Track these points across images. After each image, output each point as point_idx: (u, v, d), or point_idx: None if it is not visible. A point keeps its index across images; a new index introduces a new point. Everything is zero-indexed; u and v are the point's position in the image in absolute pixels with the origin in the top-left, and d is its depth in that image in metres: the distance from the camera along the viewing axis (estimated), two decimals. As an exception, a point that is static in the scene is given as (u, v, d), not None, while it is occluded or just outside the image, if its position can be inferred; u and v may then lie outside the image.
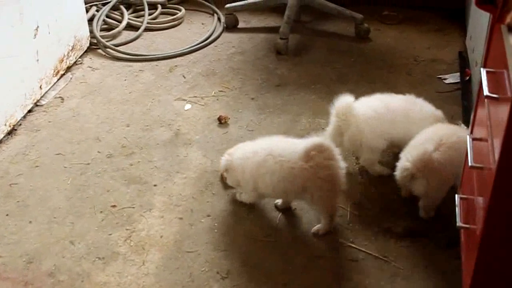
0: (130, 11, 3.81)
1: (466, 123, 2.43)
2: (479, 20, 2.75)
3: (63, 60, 3.18)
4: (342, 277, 2.05)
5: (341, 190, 2.18)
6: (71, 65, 3.28)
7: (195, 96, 3.04)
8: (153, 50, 3.49)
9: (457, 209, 1.84)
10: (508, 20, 1.46)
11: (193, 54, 3.44)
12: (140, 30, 3.63)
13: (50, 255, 2.15)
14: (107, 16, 3.70)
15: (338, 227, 2.24)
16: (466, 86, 2.96)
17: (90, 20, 3.57)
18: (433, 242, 2.14)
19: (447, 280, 2.00)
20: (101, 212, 2.33)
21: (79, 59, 3.36)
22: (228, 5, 3.69)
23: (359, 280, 2.03)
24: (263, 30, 3.70)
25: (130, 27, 3.68)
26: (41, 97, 3.00)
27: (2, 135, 2.71)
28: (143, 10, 3.79)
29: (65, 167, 2.57)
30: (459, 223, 1.79)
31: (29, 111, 2.91)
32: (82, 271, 2.08)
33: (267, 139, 2.30)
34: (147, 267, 2.09)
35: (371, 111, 2.38)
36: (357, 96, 2.44)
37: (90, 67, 3.32)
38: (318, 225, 2.21)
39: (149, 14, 3.77)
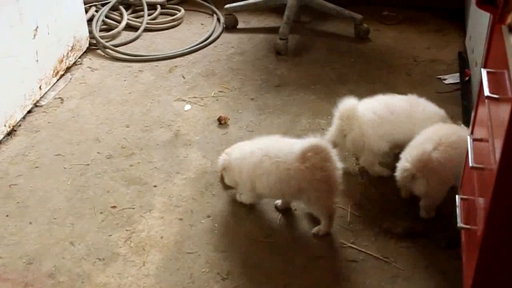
0: (130, 11, 3.81)
1: (466, 123, 2.43)
2: (479, 21, 2.75)
3: (62, 61, 3.18)
4: (342, 278, 2.05)
5: (338, 191, 2.18)
6: (70, 65, 3.27)
7: (195, 97, 3.04)
8: (153, 50, 3.49)
9: (457, 209, 1.84)
10: (509, 20, 1.46)
11: (193, 54, 3.44)
12: (139, 31, 3.63)
13: (50, 256, 2.14)
14: (107, 17, 3.69)
15: (338, 227, 2.24)
16: (465, 87, 2.97)
17: (90, 21, 3.57)
18: (434, 243, 2.14)
19: (448, 281, 2.00)
20: (101, 213, 2.33)
21: (79, 60, 3.36)
22: (227, 6, 3.68)
23: (360, 281, 2.03)
24: (263, 30, 3.70)
25: (129, 27, 3.68)
26: (41, 97, 3.00)
27: (2, 136, 2.70)
28: (142, 10, 3.79)
29: (64, 168, 2.57)
30: (459, 223, 1.78)
31: (29, 111, 2.90)
32: (82, 272, 2.08)
33: (264, 139, 2.31)
34: (147, 268, 2.09)
35: (374, 114, 2.38)
36: (357, 97, 2.44)
37: (89, 67, 3.32)
38: (318, 226, 2.21)
39: (149, 15, 3.76)
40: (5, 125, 2.72)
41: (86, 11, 3.55)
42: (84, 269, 2.09)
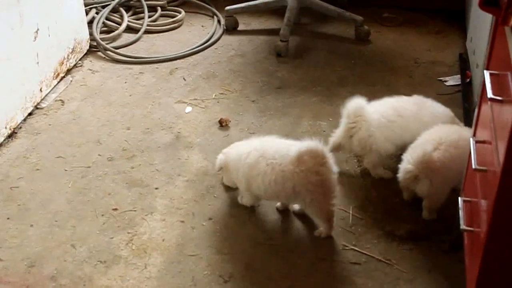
0: (130, 13, 3.80)
1: (468, 125, 2.44)
2: (480, 22, 2.75)
3: (63, 63, 3.17)
4: (345, 280, 2.05)
5: (334, 195, 2.17)
6: (71, 67, 3.27)
7: (196, 99, 3.04)
8: (153, 52, 3.48)
9: (460, 212, 1.84)
10: (512, 22, 1.46)
11: (193, 56, 3.43)
12: (140, 33, 3.62)
13: (51, 258, 2.14)
14: (107, 19, 3.69)
15: (340, 230, 2.23)
16: (466, 88, 2.96)
17: (90, 23, 3.56)
18: (436, 245, 2.14)
19: (451, 284, 2.00)
20: (102, 215, 2.32)
21: (79, 62, 3.35)
22: (228, 7, 3.68)
23: (362, 284, 2.03)
24: (263, 32, 3.69)
25: (130, 29, 3.67)
26: (42, 100, 2.99)
27: (3, 138, 2.70)
28: (142, 12, 3.78)
29: (66, 170, 2.56)
30: (462, 226, 1.78)
31: (30, 114, 2.90)
32: (84, 275, 2.07)
33: (262, 139, 2.31)
34: (149, 271, 2.08)
35: (383, 117, 2.37)
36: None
37: (90, 69, 3.31)
38: (320, 229, 2.21)
39: (149, 17, 3.76)
40: (5, 127, 2.71)
41: (87, 13, 3.54)
42: (85, 272, 2.08)
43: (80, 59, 3.37)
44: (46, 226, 2.28)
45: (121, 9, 3.77)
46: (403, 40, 3.55)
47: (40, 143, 2.73)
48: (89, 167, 2.58)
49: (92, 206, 2.37)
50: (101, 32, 3.59)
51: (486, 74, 1.60)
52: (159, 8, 3.86)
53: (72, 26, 3.24)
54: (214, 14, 3.86)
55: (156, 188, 2.45)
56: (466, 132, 2.23)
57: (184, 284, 2.04)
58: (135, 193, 2.43)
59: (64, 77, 3.20)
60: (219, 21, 3.78)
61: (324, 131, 2.75)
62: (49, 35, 3.00)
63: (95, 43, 3.47)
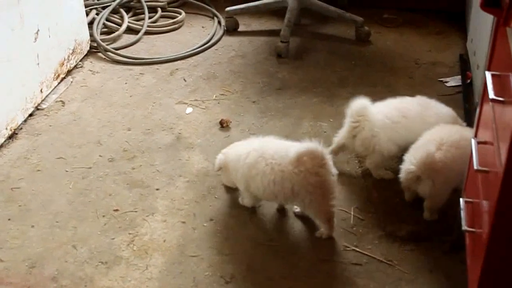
0: (130, 14, 3.80)
1: (468, 125, 2.44)
2: (481, 23, 2.75)
3: (63, 64, 3.17)
4: (346, 281, 2.05)
5: (333, 196, 2.17)
6: (71, 68, 3.27)
7: (196, 100, 3.04)
8: (154, 53, 3.48)
9: (462, 212, 1.84)
10: (514, 23, 1.46)
11: (194, 57, 3.43)
12: (140, 34, 3.62)
13: (52, 259, 2.14)
14: (107, 20, 3.68)
15: (341, 231, 2.23)
16: (467, 89, 2.97)
17: (90, 24, 3.56)
18: (437, 246, 2.14)
19: (452, 284, 2.00)
20: (103, 216, 2.32)
21: (80, 63, 3.35)
22: (228, 8, 3.68)
23: (364, 285, 2.03)
24: (264, 33, 3.69)
25: (130, 30, 3.67)
26: (42, 100, 2.99)
27: (3, 139, 2.70)
28: (143, 13, 3.78)
29: (66, 171, 2.56)
30: (464, 226, 1.78)
31: (30, 115, 2.90)
32: (85, 276, 2.07)
33: (261, 140, 2.31)
34: (150, 272, 2.08)
35: (388, 119, 2.37)
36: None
37: (90, 70, 3.31)
38: (321, 230, 2.21)
39: (149, 18, 3.76)
40: (6, 128, 2.71)
41: (87, 14, 3.54)
42: (86, 273, 2.08)
43: (81, 60, 3.37)
44: (47, 227, 2.28)
45: (122, 10, 3.77)
46: (403, 41, 3.56)
47: (40, 144, 2.73)
48: (90, 168, 2.58)
49: (93, 207, 2.37)
50: (102, 33, 3.59)
51: (488, 75, 1.60)
52: (159, 9, 3.86)
53: (73, 27, 3.24)
54: (214, 15, 3.86)
55: (157, 189, 2.45)
56: (467, 132, 2.23)
57: (186, 285, 2.04)
58: (136, 194, 2.43)
59: (64, 78, 3.20)
60: (219, 22, 3.78)
61: (325, 132, 2.76)
62: (49, 36, 3.00)
63: (95, 44, 3.47)
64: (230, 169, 2.31)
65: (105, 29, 3.65)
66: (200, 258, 2.14)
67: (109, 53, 3.44)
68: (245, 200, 2.34)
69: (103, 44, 3.46)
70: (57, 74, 3.11)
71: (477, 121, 1.91)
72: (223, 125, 2.81)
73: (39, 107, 2.96)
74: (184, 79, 3.22)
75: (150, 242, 2.20)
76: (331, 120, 2.83)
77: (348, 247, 2.17)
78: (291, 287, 2.03)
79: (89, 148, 2.70)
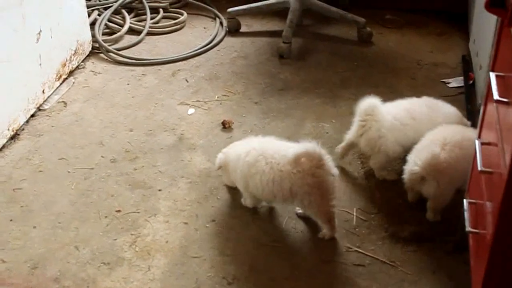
0: (132, 15, 3.80)
1: (472, 126, 2.43)
2: (484, 24, 2.75)
3: (65, 65, 3.17)
4: (349, 282, 2.05)
5: (332, 197, 2.16)
6: (73, 69, 3.26)
7: (199, 101, 3.03)
8: (156, 54, 3.48)
9: (465, 213, 1.83)
10: (519, 23, 1.46)
11: (196, 58, 3.43)
12: (142, 34, 3.62)
13: (54, 260, 2.13)
14: (109, 20, 3.68)
15: (344, 232, 2.23)
16: (469, 90, 2.96)
17: (92, 24, 3.56)
18: (440, 247, 2.14)
19: (455, 285, 2.00)
20: (105, 217, 2.32)
21: (82, 64, 3.35)
22: (230, 9, 3.68)
23: (366, 286, 2.03)
24: (266, 34, 3.69)
25: (132, 31, 3.67)
26: (44, 101, 2.99)
27: (5, 140, 2.69)
28: (145, 14, 3.78)
29: (68, 171, 2.56)
30: (468, 227, 1.77)
31: (32, 115, 2.90)
32: (87, 277, 2.07)
33: (260, 139, 2.32)
34: (152, 273, 2.08)
35: (397, 121, 2.37)
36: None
37: (92, 71, 3.31)
38: (324, 231, 2.21)
39: (151, 18, 3.76)
40: (8, 129, 2.71)
41: (89, 15, 3.54)
42: (89, 274, 2.08)
43: (83, 61, 3.36)
44: (49, 227, 2.28)
45: (123, 11, 3.77)
46: (405, 42, 3.55)
47: (42, 144, 2.72)
48: (92, 168, 2.57)
49: (95, 207, 2.36)
50: (103, 34, 3.59)
51: (492, 76, 1.60)
52: (161, 10, 3.86)
53: (74, 28, 3.24)
54: (216, 16, 3.86)
55: (159, 190, 2.45)
56: (469, 132, 2.24)
57: (188, 286, 2.03)
58: (138, 195, 2.42)
59: (66, 78, 3.19)
60: (221, 23, 3.78)
61: (327, 133, 2.75)
62: (51, 37, 3.00)
63: (97, 45, 3.47)
64: (230, 169, 2.32)
65: (107, 30, 3.65)
66: (202, 259, 2.13)
67: (111, 53, 3.44)
68: (247, 201, 2.33)
69: (105, 44, 3.45)
70: (59, 75, 3.11)
71: (481, 122, 1.90)
72: (225, 126, 2.81)
73: (41, 108, 2.96)
74: (186, 80, 3.21)
75: (153, 243, 2.20)
76: (333, 121, 2.83)
77: (351, 248, 2.16)
78: (293, 287, 2.03)
79: (91, 149, 2.70)
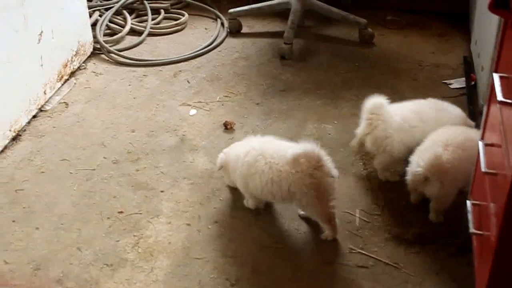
0: (133, 16, 3.80)
1: (475, 127, 2.43)
2: (485, 25, 2.75)
3: (67, 65, 3.17)
4: (352, 284, 2.04)
5: (331, 198, 2.16)
6: (74, 70, 3.26)
7: (200, 102, 3.03)
8: (157, 55, 3.48)
9: (469, 215, 1.83)
10: (523, 25, 1.45)
11: (197, 59, 3.43)
12: (143, 35, 3.62)
13: (57, 261, 2.13)
14: (110, 21, 3.68)
15: (347, 233, 2.23)
16: (471, 91, 2.96)
17: (93, 25, 3.55)
18: (443, 249, 2.13)
19: (459, 286, 2.00)
20: (108, 218, 2.32)
21: (83, 64, 3.34)
22: (231, 10, 3.67)
23: (369, 287, 2.02)
24: (267, 35, 3.69)
25: (133, 32, 3.66)
26: (45, 102, 2.98)
27: (7, 141, 2.69)
28: (146, 15, 3.78)
29: (70, 173, 2.56)
30: (471, 229, 1.77)
31: (34, 116, 2.89)
32: (90, 278, 2.07)
33: (260, 139, 2.32)
34: (155, 274, 2.08)
35: (405, 122, 2.37)
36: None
37: (94, 72, 3.31)
38: (326, 232, 2.20)
39: (152, 19, 3.76)
40: (10, 130, 2.71)
41: (90, 16, 3.54)
42: (92, 275, 2.08)
43: (84, 62, 3.36)
44: (51, 229, 2.27)
45: (125, 11, 3.77)
46: (407, 43, 3.55)
47: (44, 145, 2.72)
48: (94, 169, 2.57)
49: (97, 209, 2.36)
50: (105, 35, 3.59)
51: (496, 77, 1.60)
52: (162, 11, 3.86)
53: (76, 28, 3.24)
54: (218, 16, 3.85)
55: (162, 191, 2.45)
56: (472, 133, 2.24)
57: (191, 287, 2.03)
58: (141, 196, 2.42)
59: (68, 79, 3.19)
60: (222, 24, 3.78)
61: (329, 134, 2.75)
62: (53, 38, 3.00)
63: (98, 46, 3.47)
64: (231, 169, 2.32)
65: (108, 31, 3.65)
66: (205, 261, 2.13)
67: (112, 54, 3.43)
68: (249, 202, 2.33)
69: (106, 45, 3.45)
70: (60, 76, 3.11)
71: (484, 123, 1.90)
72: (227, 127, 2.81)
73: (42, 109, 2.95)
74: (188, 81, 3.21)
75: (155, 244, 2.20)
76: (335, 122, 2.83)
77: (354, 250, 2.16)
78: (297, 289, 2.03)
79: (93, 150, 2.69)
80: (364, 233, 2.23)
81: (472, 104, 2.86)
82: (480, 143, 1.78)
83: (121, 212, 2.34)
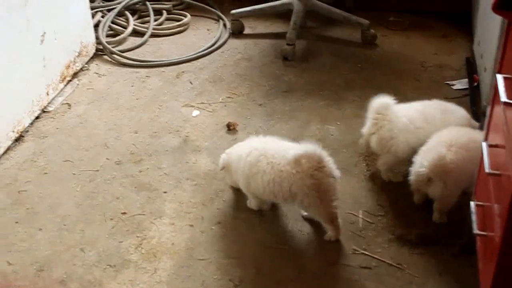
0: (136, 17, 3.80)
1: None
2: (489, 26, 2.75)
3: (69, 66, 3.17)
4: (355, 285, 2.04)
5: (333, 199, 2.15)
6: (77, 71, 3.26)
7: (203, 103, 3.03)
8: (160, 56, 3.48)
9: (473, 216, 1.83)
10: (527, 26, 1.45)
11: (200, 60, 3.43)
12: (146, 36, 3.62)
13: (61, 262, 2.13)
14: (113, 22, 3.68)
15: (350, 234, 2.23)
16: (474, 92, 2.96)
17: (96, 26, 3.56)
18: (447, 250, 2.13)
19: (462, 287, 1.99)
20: (111, 219, 2.32)
21: (86, 65, 3.35)
22: (233, 11, 3.68)
23: (373, 288, 2.03)
24: (269, 36, 3.69)
25: (135, 33, 3.67)
26: (48, 103, 2.99)
27: (10, 142, 2.69)
28: (148, 16, 3.78)
29: (74, 174, 2.56)
30: (475, 230, 1.77)
31: (37, 117, 2.89)
32: (94, 279, 2.07)
33: (262, 139, 2.32)
34: (159, 275, 2.08)
35: (412, 124, 2.36)
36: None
37: (96, 73, 3.31)
38: (329, 233, 2.20)
39: (155, 20, 3.76)
40: (13, 131, 2.71)
41: (93, 17, 3.54)
42: (95, 276, 2.08)
43: (87, 63, 3.36)
44: (54, 230, 2.27)
45: (127, 12, 3.77)
46: (409, 44, 3.55)
47: (47, 146, 2.72)
48: (97, 170, 2.57)
49: (100, 210, 2.36)
50: (107, 36, 3.59)
51: (499, 78, 1.60)
52: (164, 12, 3.87)
53: (78, 29, 3.24)
54: (220, 17, 3.86)
55: (165, 192, 2.45)
56: (475, 134, 2.24)
57: (194, 288, 2.04)
58: (144, 197, 2.42)
59: (70, 80, 3.19)
60: (224, 25, 3.78)
61: (332, 135, 2.75)
62: (55, 39, 3.00)
63: (101, 47, 3.47)
64: (233, 169, 2.32)
65: (111, 32, 3.65)
66: (208, 262, 2.13)
67: (115, 55, 3.44)
68: (252, 202, 2.33)
69: (109, 46, 3.46)
70: (63, 77, 3.11)
71: (487, 124, 1.90)
72: (230, 128, 2.81)
73: (45, 110, 2.95)
74: (190, 82, 3.21)
75: (159, 245, 2.20)
76: (338, 123, 2.83)
77: (357, 251, 2.16)
78: (300, 290, 2.03)
79: (96, 151, 2.69)
80: (367, 234, 2.23)
81: (475, 105, 2.86)
82: (484, 144, 1.78)
83: (124, 213, 2.34)
